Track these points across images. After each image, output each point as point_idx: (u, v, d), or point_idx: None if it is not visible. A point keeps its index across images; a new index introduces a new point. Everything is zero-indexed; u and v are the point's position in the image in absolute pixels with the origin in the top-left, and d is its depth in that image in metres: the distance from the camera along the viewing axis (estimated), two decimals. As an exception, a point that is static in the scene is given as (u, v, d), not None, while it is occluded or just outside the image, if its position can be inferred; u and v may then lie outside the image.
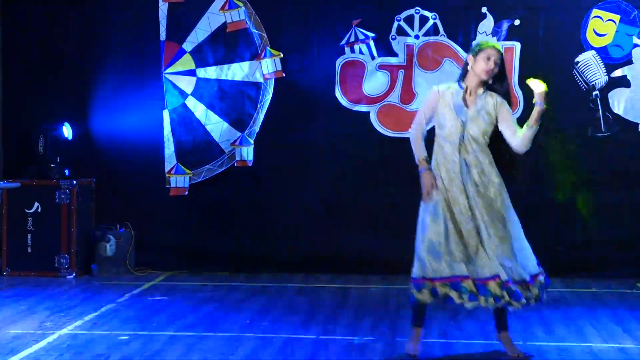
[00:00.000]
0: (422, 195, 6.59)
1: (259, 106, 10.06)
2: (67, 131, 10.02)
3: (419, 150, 6.62)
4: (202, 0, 10.07)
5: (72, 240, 9.78)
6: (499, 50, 6.52)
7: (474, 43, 6.66)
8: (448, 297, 6.46)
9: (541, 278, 6.63)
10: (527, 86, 9.79)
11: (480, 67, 6.46)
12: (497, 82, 6.56)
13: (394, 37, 9.97)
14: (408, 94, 9.95)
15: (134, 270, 9.99)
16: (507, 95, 6.60)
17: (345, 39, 9.99)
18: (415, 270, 6.55)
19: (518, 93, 9.85)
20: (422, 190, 6.60)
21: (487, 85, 6.54)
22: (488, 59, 6.46)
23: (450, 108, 6.49)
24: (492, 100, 6.53)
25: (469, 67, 6.51)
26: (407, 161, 9.99)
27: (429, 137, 6.66)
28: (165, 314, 8.01)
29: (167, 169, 10.16)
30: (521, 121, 9.77)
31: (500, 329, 6.69)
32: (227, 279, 9.71)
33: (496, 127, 6.54)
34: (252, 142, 10.04)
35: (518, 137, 6.52)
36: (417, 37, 9.96)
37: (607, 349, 6.93)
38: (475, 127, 6.47)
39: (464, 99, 6.51)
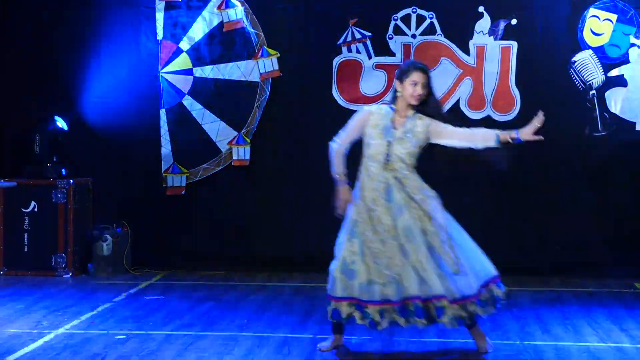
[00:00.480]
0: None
1: (255, 105, 10.06)
2: (60, 123, 9.99)
3: (339, 165, 6.66)
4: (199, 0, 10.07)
5: (68, 240, 9.77)
6: (425, 73, 6.56)
7: (400, 68, 6.67)
8: (352, 317, 6.54)
9: (493, 286, 6.64)
10: (524, 87, 9.91)
11: (408, 92, 6.53)
12: (424, 104, 6.60)
13: (390, 36, 9.97)
14: (405, 93, 9.93)
15: (130, 270, 9.98)
16: (438, 115, 6.63)
17: (342, 38, 9.99)
18: (329, 286, 6.65)
19: (515, 93, 9.86)
20: (336, 203, 6.67)
21: (416, 108, 6.58)
22: (415, 84, 6.51)
23: (379, 129, 6.56)
24: (422, 122, 6.58)
25: (397, 94, 6.58)
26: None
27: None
28: (162, 313, 8.01)
29: (164, 168, 10.16)
30: (521, 121, 9.86)
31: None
32: (223, 278, 9.71)
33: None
34: (249, 141, 10.04)
35: (477, 138, 6.54)
36: (414, 36, 9.95)
37: (604, 348, 6.93)
38: (401, 147, 6.53)
39: (393, 121, 6.57)
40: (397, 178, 6.56)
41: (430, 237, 6.56)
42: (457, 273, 6.49)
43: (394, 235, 6.52)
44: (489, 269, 6.71)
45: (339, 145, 6.66)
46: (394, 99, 6.63)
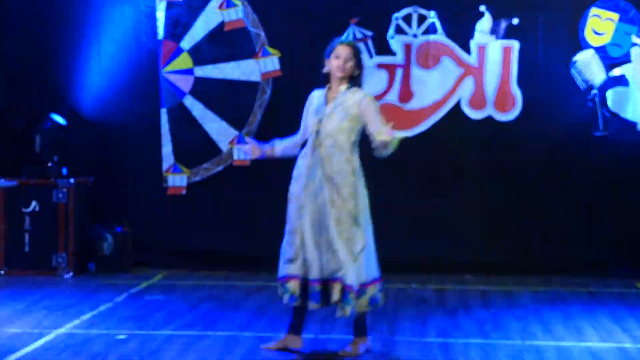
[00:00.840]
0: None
1: (256, 105, 10.05)
2: (58, 119, 9.98)
3: (280, 142, 6.89)
4: (200, -1, 10.08)
5: (69, 239, 9.76)
6: (348, 45, 6.64)
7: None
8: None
9: (372, 289, 6.58)
10: (526, 86, 9.91)
11: (333, 65, 6.59)
12: (357, 77, 6.65)
13: (392, 35, 9.96)
14: (406, 93, 9.94)
15: (131, 269, 9.97)
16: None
17: (344, 37, 9.97)
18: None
19: (516, 92, 9.85)
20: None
21: (352, 81, 6.61)
22: (337, 57, 6.58)
23: (313, 108, 6.66)
24: (355, 96, 6.59)
25: (326, 70, 6.64)
26: (405, 160, 10.03)
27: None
28: (163, 313, 8.00)
29: (164, 167, 10.15)
30: (521, 121, 9.88)
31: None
32: (224, 278, 9.70)
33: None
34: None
35: (377, 140, 6.51)
36: (415, 35, 9.94)
37: (606, 348, 6.92)
38: (330, 123, 6.55)
39: (326, 98, 6.63)
40: (320, 154, 6.54)
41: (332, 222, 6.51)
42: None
43: (308, 212, 6.52)
44: (374, 271, 6.64)
45: (297, 135, 6.80)
46: (327, 77, 6.66)
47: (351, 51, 6.60)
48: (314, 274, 6.50)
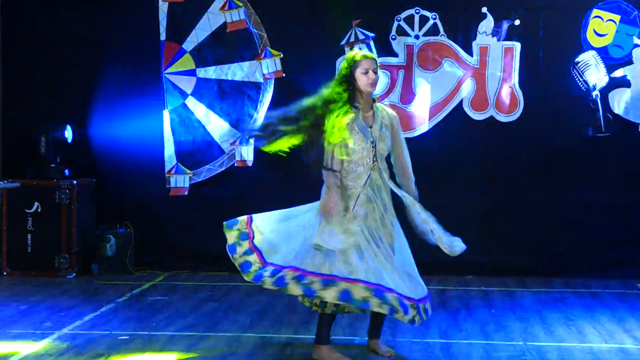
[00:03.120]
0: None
1: (259, 106, 10.06)
2: (68, 133, 10.01)
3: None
4: (202, 0, 10.08)
5: (72, 240, 9.78)
6: (373, 59, 6.45)
7: (341, 62, 6.56)
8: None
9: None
10: (528, 87, 9.92)
11: (363, 82, 6.36)
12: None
13: (394, 37, 9.97)
14: (408, 94, 9.95)
15: (134, 270, 9.99)
16: None
17: (345, 39, 9.99)
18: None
19: (518, 93, 9.86)
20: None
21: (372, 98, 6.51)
22: (366, 72, 6.36)
23: (357, 132, 6.36)
24: (387, 113, 6.50)
25: (350, 87, 6.36)
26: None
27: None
28: (165, 314, 8.01)
29: (167, 169, 10.16)
30: (522, 122, 9.88)
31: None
32: (226, 279, 9.70)
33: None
34: (252, 142, 10.04)
35: (407, 173, 6.57)
36: (417, 37, 9.96)
37: (607, 349, 6.93)
38: (383, 145, 6.45)
39: (364, 119, 6.41)
40: (376, 180, 6.44)
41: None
42: None
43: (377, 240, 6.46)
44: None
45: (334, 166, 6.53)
46: (353, 98, 6.37)
47: (376, 64, 6.42)
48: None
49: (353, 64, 6.38)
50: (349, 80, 6.39)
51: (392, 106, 9.91)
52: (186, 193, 10.16)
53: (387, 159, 6.58)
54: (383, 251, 6.40)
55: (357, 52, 6.53)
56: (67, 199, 9.77)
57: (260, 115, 10.01)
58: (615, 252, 9.80)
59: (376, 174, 6.44)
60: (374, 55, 6.60)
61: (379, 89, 9.89)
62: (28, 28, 10.27)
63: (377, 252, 6.36)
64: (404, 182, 6.57)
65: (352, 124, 6.34)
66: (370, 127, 6.41)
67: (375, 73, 6.39)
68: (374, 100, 6.53)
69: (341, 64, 6.53)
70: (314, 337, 7.04)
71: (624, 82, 9.78)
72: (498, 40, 9.86)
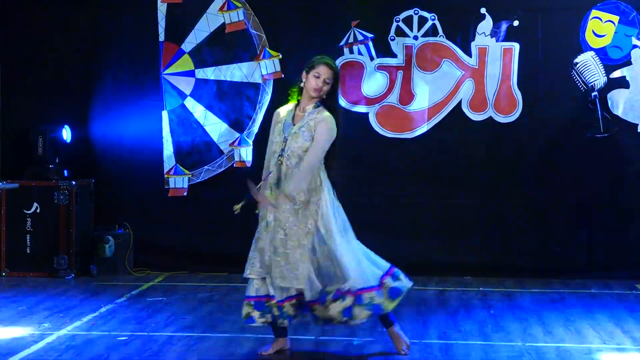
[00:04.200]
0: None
1: (257, 107, 10.06)
2: (66, 134, 10.01)
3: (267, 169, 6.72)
4: (201, 1, 10.07)
5: (71, 241, 9.77)
6: (331, 68, 6.48)
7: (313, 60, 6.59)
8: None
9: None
10: (526, 88, 9.92)
11: (310, 84, 6.46)
12: (329, 99, 6.54)
13: (392, 37, 9.97)
14: (407, 95, 9.95)
15: (132, 271, 9.99)
16: (333, 112, 6.53)
17: (344, 39, 9.99)
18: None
19: (517, 94, 9.86)
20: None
21: (322, 102, 6.51)
22: (318, 76, 6.44)
23: (280, 125, 6.56)
24: (318, 116, 6.49)
25: (301, 84, 6.52)
26: (406, 162, 10.06)
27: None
28: (164, 315, 8.01)
29: (166, 169, 10.16)
30: (521, 122, 9.89)
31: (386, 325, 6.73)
32: (225, 280, 9.70)
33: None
34: (250, 142, 10.04)
35: (308, 164, 6.45)
36: (416, 37, 9.96)
37: (606, 349, 6.93)
38: (294, 143, 6.47)
39: (294, 116, 6.54)
40: (284, 173, 6.49)
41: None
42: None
43: (269, 231, 6.54)
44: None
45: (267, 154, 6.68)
46: (300, 91, 6.55)
47: (332, 75, 6.46)
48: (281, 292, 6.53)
49: (311, 65, 6.49)
50: (301, 77, 6.54)
51: (391, 107, 9.94)
52: (185, 194, 10.16)
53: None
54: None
55: (322, 57, 6.57)
56: (66, 200, 9.77)
57: (259, 116, 10.02)
58: (614, 252, 9.81)
59: (284, 168, 6.49)
60: (335, 66, 6.54)
61: (378, 89, 9.89)
62: (26, 28, 10.27)
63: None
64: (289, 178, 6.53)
65: (283, 117, 6.56)
66: (293, 125, 6.51)
67: (327, 84, 6.43)
68: (317, 106, 6.52)
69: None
70: (313, 337, 7.07)
71: (622, 83, 9.78)
72: (497, 41, 9.86)
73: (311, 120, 6.48)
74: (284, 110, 6.64)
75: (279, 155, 6.50)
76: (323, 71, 6.45)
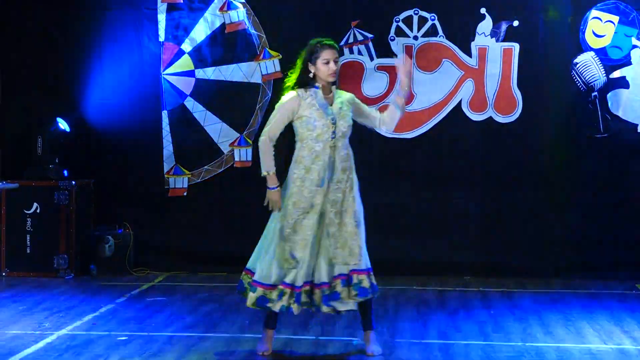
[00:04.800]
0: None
1: (257, 107, 10.06)
2: (62, 125, 10.00)
3: (270, 162, 6.68)
4: (201, 1, 10.08)
5: (71, 241, 9.78)
6: (334, 48, 6.57)
7: (307, 48, 6.61)
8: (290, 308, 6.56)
9: (362, 277, 6.59)
10: (526, 88, 9.92)
11: (324, 72, 6.50)
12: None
13: (392, 38, 9.97)
14: (407, 95, 9.92)
15: (132, 271, 9.98)
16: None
17: (344, 39, 9.99)
18: (266, 275, 6.62)
19: (517, 94, 9.86)
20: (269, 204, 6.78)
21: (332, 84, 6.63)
22: (327, 62, 6.50)
23: (317, 107, 6.52)
24: (345, 96, 6.62)
25: (310, 75, 6.53)
26: (406, 162, 10.06)
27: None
28: (164, 315, 8.01)
29: (165, 169, 10.16)
30: (521, 122, 9.89)
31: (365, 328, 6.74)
32: (225, 280, 9.71)
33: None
34: (251, 142, 10.04)
35: (386, 117, 6.64)
36: (415, 38, 9.96)
37: (606, 350, 6.93)
38: (344, 122, 6.54)
39: (325, 98, 6.56)
40: (336, 156, 6.52)
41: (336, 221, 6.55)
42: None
43: (324, 217, 6.54)
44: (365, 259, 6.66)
45: (269, 140, 6.64)
46: (311, 81, 6.54)
47: (337, 54, 6.56)
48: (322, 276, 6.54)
49: (314, 53, 6.52)
50: (307, 69, 6.53)
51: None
52: (185, 194, 10.16)
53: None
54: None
55: (320, 40, 6.61)
56: (65, 200, 9.77)
57: (259, 116, 10.02)
58: (614, 252, 9.81)
59: (335, 151, 6.51)
60: (333, 42, 6.64)
61: (377, 89, 9.89)
62: (27, 28, 10.27)
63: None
64: (394, 125, 6.72)
65: (312, 100, 6.50)
66: (331, 105, 6.54)
67: (336, 62, 6.53)
68: (336, 87, 6.64)
69: (302, 51, 6.63)
70: (314, 337, 7.07)
71: (622, 83, 9.78)
72: (497, 41, 9.86)
73: (343, 100, 6.58)
74: (305, 94, 6.52)
75: (332, 138, 6.49)
76: (328, 54, 6.51)
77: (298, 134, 6.57)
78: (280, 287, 6.50)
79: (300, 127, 6.54)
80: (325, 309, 6.53)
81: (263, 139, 6.67)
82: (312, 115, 6.50)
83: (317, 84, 6.56)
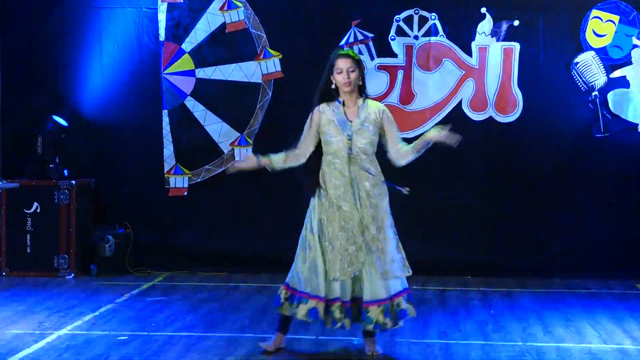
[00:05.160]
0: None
1: (258, 106, 10.06)
2: (60, 120, 9.99)
3: (275, 157, 6.74)
4: (202, 1, 10.08)
5: (71, 241, 9.77)
6: (347, 57, 6.54)
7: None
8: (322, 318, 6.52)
9: (402, 299, 6.63)
10: (527, 88, 9.92)
11: (339, 82, 6.52)
12: (362, 85, 6.62)
13: (393, 37, 9.97)
14: (407, 95, 9.95)
15: (132, 271, 9.98)
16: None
17: (345, 39, 9.99)
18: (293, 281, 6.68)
19: (517, 94, 9.86)
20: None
21: (360, 91, 6.58)
22: (340, 72, 6.50)
23: (335, 124, 6.52)
24: (375, 108, 6.57)
25: (332, 86, 6.56)
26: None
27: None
28: (164, 315, 8.01)
29: (166, 169, 10.16)
30: (522, 122, 9.89)
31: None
32: (225, 279, 9.71)
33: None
34: (251, 142, 10.04)
35: (402, 151, 6.59)
36: (416, 37, 9.96)
37: (606, 349, 6.93)
38: (362, 139, 6.50)
39: (345, 113, 6.54)
40: (356, 173, 6.53)
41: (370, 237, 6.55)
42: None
43: (361, 232, 6.52)
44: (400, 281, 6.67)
45: (299, 149, 6.66)
46: (334, 93, 6.58)
47: (352, 62, 6.52)
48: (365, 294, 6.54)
49: (330, 65, 6.56)
50: (329, 80, 6.57)
51: (392, 106, 9.91)
52: (185, 193, 10.16)
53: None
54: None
55: (337, 49, 6.70)
56: (66, 199, 9.77)
57: (260, 116, 10.02)
58: (614, 252, 9.81)
59: (355, 168, 6.51)
60: (350, 52, 6.65)
61: (378, 89, 9.88)
62: (26, 28, 10.27)
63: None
64: (403, 161, 6.65)
65: (332, 115, 6.51)
66: (351, 122, 6.51)
67: (353, 71, 6.49)
68: (366, 97, 6.59)
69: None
70: (313, 337, 7.06)
71: (623, 83, 9.78)
72: (497, 40, 9.86)
73: (369, 112, 6.53)
74: (327, 108, 6.56)
75: (348, 155, 6.49)
76: (341, 64, 6.51)
77: (322, 149, 6.63)
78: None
79: (322, 142, 6.61)
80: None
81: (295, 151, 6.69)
82: (330, 131, 6.53)
83: (340, 98, 6.57)
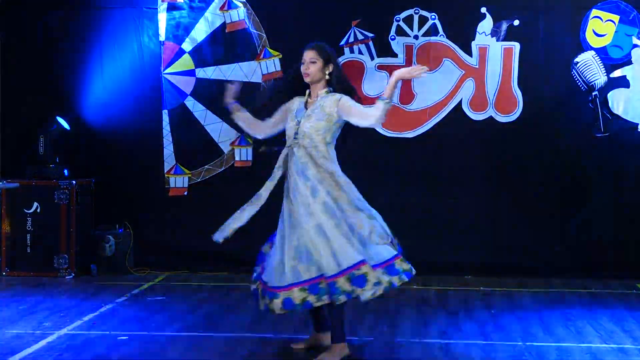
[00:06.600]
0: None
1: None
2: (63, 123, 9.99)
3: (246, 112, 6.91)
4: (202, 1, 10.08)
5: (71, 241, 9.78)
6: (311, 49, 6.63)
7: None
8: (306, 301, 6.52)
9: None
10: (527, 87, 9.92)
11: (302, 72, 6.64)
12: (338, 83, 6.63)
13: (393, 37, 9.97)
14: (407, 94, 9.95)
15: (133, 271, 9.99)
16: (349, 92, 6.63)
17: (345, 39, 9.99)
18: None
19: (517, 94, 9.86)
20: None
21: (330, 85, 6.63)
22: (303, 63, 6.61)
23: (292, 112, 6.67)
24: (332, 97, 6.59)
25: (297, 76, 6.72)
26: (406, 161, 10.06)
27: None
28: (164, 315, 8.01)
29: (166, 169, 10.16)
30: (522, 122, 9.89)
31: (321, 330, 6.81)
32: (226, 279, 9.71)
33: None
34: (251, 142, 10.04)
35: (371, 114, 6.46)
36: (416, 37, 9.96)
37: (606, 349, 6.93)
38: (307, 123, 6.56)
39: (306, 103, 6.67)
40: (297, 153, 6.57)
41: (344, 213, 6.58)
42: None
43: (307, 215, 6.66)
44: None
45: (264, 122, 6.80)
46: (306, 85, 6.71)
47: (314, 54, 6.60)
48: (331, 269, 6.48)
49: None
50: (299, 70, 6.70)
51: (392, 106, 9.90)
52: (185, 193, 10.16)
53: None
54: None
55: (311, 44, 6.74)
56: (66, 199, 9.77)
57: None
58: (614, 252, 9.81)
59: (298, 149, 6.56)
60: (319, 45, 6.68)
61: (378, 89, 9.87)
62: (27, 28, 10.27)
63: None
64: (380, 118, 6.51)
65: (296, 105, 6.69)
66: (306, 109, 6.63)
67: (314, 63, 6.57)
68: (329, 91, 6.61)
69: None
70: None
71: (623, 82, 9.78)
72: (497, 40, 9.86)
73: (324, 102, 6.57)
74: (296, 100, 6.72)
75: (293, 138, 6.58)
76: (305, 55, 6.62)
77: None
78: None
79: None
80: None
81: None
82: (288, 118, 6.69)
83: (309, 89, 6.70)
